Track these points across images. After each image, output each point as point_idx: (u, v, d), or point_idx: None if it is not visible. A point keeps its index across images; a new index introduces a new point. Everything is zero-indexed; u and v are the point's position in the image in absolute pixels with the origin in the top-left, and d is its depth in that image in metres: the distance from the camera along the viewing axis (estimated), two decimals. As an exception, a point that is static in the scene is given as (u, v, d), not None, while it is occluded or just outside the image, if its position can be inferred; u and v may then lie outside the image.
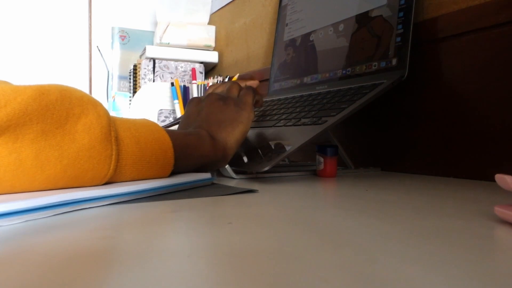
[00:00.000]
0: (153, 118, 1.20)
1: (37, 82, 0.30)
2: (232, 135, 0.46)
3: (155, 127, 0.38)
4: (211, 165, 0.45)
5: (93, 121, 0.30)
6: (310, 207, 0.30)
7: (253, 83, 0.93)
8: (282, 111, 0.66)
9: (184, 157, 0.40)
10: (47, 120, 0.28)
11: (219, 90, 0.57)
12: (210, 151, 0.44)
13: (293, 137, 0.50)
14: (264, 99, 0.83)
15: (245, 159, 0.50)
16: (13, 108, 0.26)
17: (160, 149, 0.36)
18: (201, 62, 1.33)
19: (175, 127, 0.72)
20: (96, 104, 0.32)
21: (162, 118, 1.21)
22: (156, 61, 1.28)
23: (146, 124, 0.37)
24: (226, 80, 1.14)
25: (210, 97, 0.50)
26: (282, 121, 0.60)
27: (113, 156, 0.32)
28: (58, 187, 0.30)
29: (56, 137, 0.28)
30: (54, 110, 0.28)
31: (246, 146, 0.56)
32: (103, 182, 0.32)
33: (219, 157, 0.45)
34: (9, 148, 0.26)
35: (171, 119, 1.22)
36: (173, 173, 0.41)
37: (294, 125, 0.55)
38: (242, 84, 0.91)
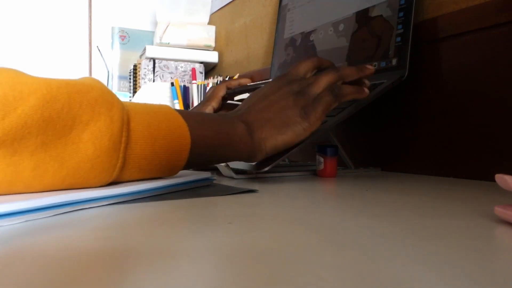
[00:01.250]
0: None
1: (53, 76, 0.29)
2: (272, 139, 0.40)
3: (179, 122, 0.34)
4: (231, 160, 0.41)
5: (102, 129, 0.28)
6: (310, 207, 0.30)
7: (245, 80, 0.82)
8: (282, 111, 0.66)
9: (205, 158, 0.37)
10: (48, 132, 0.26)
11: (301, 72, 0.46)
12: (237, 151, 0.39)
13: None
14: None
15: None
16: (11, 122, 0.24)
17: (175, 152, 0.34)
18: (201, 62, 1.33)
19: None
20: (112, 105, 0.29)
21: (162, 118, 1.21)
22: (156, 61, 1.28)
23: (169, 118, 0.33)
24: (227, 79, 1.13)
25: (289, 87, 0.43)
26: (282, 121, 0.60)
27: (118, 165, 0.30)
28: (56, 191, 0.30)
29: (57, 147, 0.27)
30: (59, 120, 0.26)
31: None
32: (103, 185, 0.32)
33: (244, 157, 0.41)
34: (7, 161, 0.25)
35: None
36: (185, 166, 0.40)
37: (294, 125, 0.55)
38: (235, 82, 0.78)
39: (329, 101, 0.42)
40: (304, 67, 0.46)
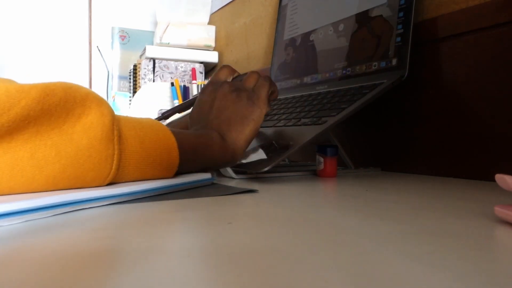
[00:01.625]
0: (153, 118, 1.20)
1: (42, 81, 0.30)
2: (242, 134, 0.45)
3: (161, 127, 0.37)
4: (219, 166, 0.45)
5: (93, 121, 0.30)
6: (310, 207, 0.30)
7: None
8: (282, 111, 0.66)
9: (192, 159, 0.40)
10: (43, 123, 0.27)
11: (221, 78, 0.51)
12: (219, 153, 0.42)
13: (293, 137, 0.50)
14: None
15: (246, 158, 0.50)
16: (16, 114, 0.26)
17: (165, 149, 0.36)
18: (201, 62, 1.34)
19: (184, 114, 0.68)
20: (101, 103, 0.31)
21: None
22: (156, 61, 1.28)
23: (151, 124, 0.36)
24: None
25: (223, 88, 0.47)
26: (282, 121, 0.60)
27: (115, 156, 0.31)
28: (59, 188, 0.30)
29: (51, 137, 0.28)
30: (54, 112, 0.28)
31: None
32: (106, 183, 0.32)
33: (228, 159, 0.44)
34: (4, 148, 0.26)
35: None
36: (176, 174, 0.41)
37: (294, 125, 0.55)
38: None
39: (266, 84, 0.47)
40: (222, 74, 0.52)
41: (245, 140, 0.45)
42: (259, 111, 0.46)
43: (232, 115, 0.45)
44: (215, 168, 0.45)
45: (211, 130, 0.44)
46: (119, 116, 0.34)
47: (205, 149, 0.41)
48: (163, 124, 0.38)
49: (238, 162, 0.46)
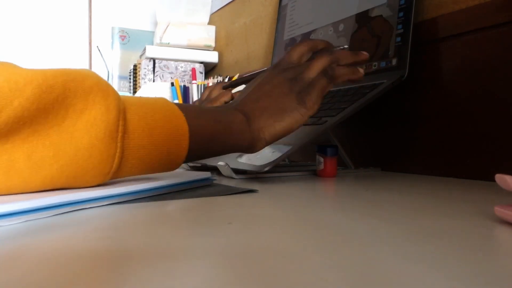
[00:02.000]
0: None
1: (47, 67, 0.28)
2: (271, 127, 0.40)
3: (175, 113, 0.33)
4: (232, 152, 0.40)
5: (97, 117, 0.28)
6: (310, 207, 0.30)
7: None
8: (282, 111, 0.66)
9: (205, 148, 0.37)
10: (41, 121, 0.26)
11: (294, 58, 0.46)
12: (235, 139, 0.38)
13: (293, 137, 0.50)
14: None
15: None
16: (8, 115, 0.24)
17: (174, 140, 0.33)
18: (201, 62, 1.34)
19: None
20: (108, 95, 0.29)
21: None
22: (156, 61, 1.28)
23: (165, 109, 0.33)
24: (227, 80, 1.14)
25: (279, 75, 0.43)
26: (282, 121, 0.60)
27: (117, 154, 0.30)
28: (57, 187, 0.29)
29: (50, 136, 0.27)
30: (52, 110, 0.26)
31: None
32: (106, 180, 0.31)
33: (243, 147, 0.40)
34: (0, 150, 0.25)
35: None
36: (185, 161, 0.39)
37: (294, 125, 0.55)
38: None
39: (323, 83, 0.42)
40: (298, 53, 0.46)
41: (273, 134, 0.40)
42: (304, 111, 0.41)
43: (272, 104, 0.41)
44: (228, 153, 0.41)
45: (235, 112, 0.40)
46: (132, 100, 0.32)
47: (222, 135, 0.37)
48: (178, 109, 0.34)
49: (254, 152, 0.42)
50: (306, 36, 0.77)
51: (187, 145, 0.34)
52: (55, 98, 0.26)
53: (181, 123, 0.33)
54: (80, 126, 0.28)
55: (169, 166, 0.35)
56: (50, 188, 0.29)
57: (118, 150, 0.30)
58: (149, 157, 0.32)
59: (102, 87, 0.29)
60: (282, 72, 0.43)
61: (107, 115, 0.28)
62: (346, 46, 0.62)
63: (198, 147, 0.36)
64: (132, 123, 0.31)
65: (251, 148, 0.40)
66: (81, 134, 0.28)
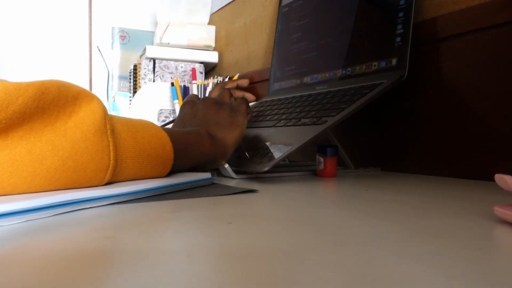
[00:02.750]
0: (153, 118, 1.20)
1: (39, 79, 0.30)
2: (231, 135, 0.49)
3: (152, 125, 0.38)
4: (211, 163, 0.46)
5: (84, 117, 0.31)
6: (310, 207, 0.30)
7: (243, 81, 0.99)
8: (282, 111, 0.66)
9: (184, 155, 0.41)
10: (37, 120, 0.28)
11: (212, 96, 0.61)
12: (211, 149, 0.45)
13: (293, 137, 0.50)
14: (264, 99, 0.83)
15: (248, 155, 0.51)
16: (13, 111, 0.26)
17: (158, 144, 0.37)
18: (201, 62, 1.33)
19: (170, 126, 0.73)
20: (92, 100, 0.32)
21: (162, 118, 1.21)
22: (156, 61, 1.28)
23: (142, 122, 0.38)
24: (227, 79, 1.14)
25: (205, 101, 0.52)
26: (282, 121, 0.60)
27: (111, 146, 0.32)
28: (61, 184, 0.29)
29: (45, 134, 0.28)
30: (48, 110, 0.29)
31: (247, 145, 0.56)
32: (107, 177, 0.32)
33: (219, 154, 0.47)
34: (0, 145, 0.26)
35: (172, 119, 1.21)
36: (173, 172, 0.41)
37: (294, 125, 0.55)
38: (233, 83, 0.99)
39: (242, 101, 0.54)
40: (214, 92, 0.68)
41: (234, 140, 0.49)
42: (243, 119, 0.51)
43: (218, 120, 0.50)
44: (208, 165, 0.47)
45: (199, 129, 0.46)
46: (110, 114, 0.35)
47: (196, 145, 0.43)
48: (154, 123, 0.39)
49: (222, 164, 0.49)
50: (305, 36, 0.77)
51: (171, 147, 0.38)
52: (51, 99, 0.29)
53: (159, 131, 0.38)
54: (71, 124, 0.30)
55: (161, 168, 0.38)
56: (55, 182, 0.29)
57: (111, 144, 0.32)
58: (140, 157, 0.35)
59: (86, 93, 0.32)
60: (203, 100, 0.54)
61: (93, 115, 0.31)
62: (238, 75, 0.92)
63: (179, 154, 0.40)
64: (117, 126, 0.34)
65: (224, 155, 0.48)
66: (73, 131, 0.30)
